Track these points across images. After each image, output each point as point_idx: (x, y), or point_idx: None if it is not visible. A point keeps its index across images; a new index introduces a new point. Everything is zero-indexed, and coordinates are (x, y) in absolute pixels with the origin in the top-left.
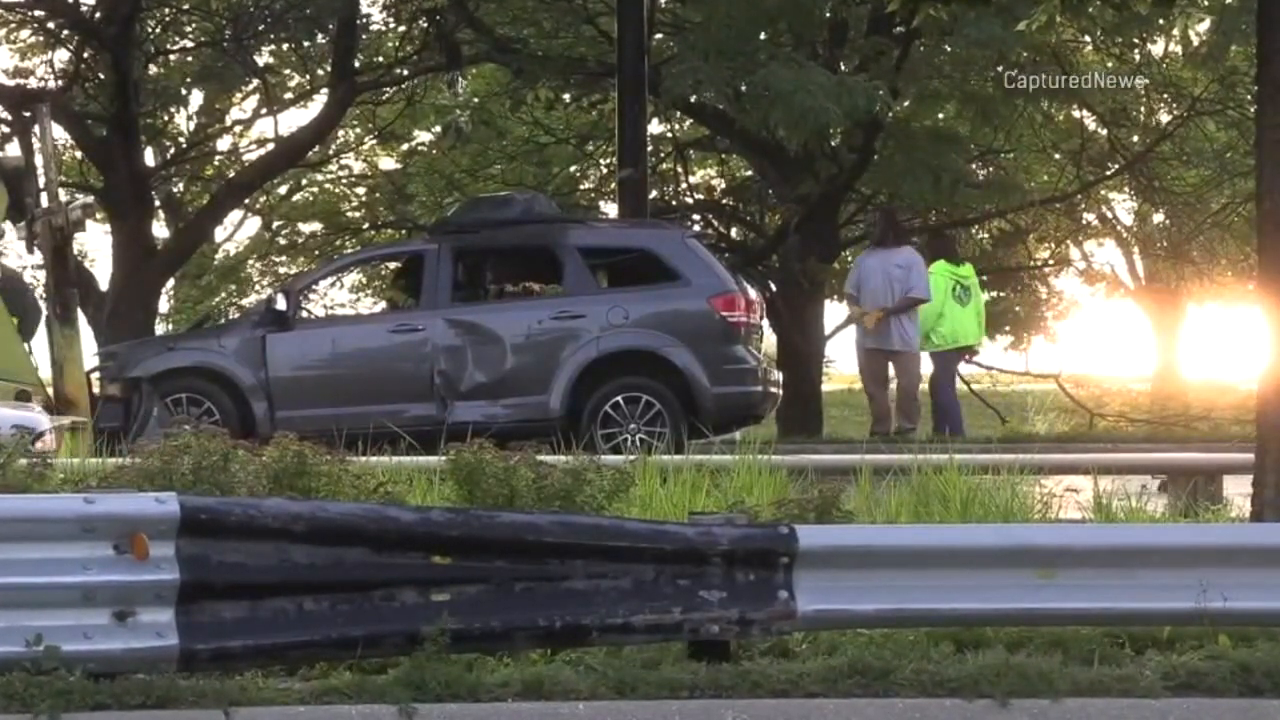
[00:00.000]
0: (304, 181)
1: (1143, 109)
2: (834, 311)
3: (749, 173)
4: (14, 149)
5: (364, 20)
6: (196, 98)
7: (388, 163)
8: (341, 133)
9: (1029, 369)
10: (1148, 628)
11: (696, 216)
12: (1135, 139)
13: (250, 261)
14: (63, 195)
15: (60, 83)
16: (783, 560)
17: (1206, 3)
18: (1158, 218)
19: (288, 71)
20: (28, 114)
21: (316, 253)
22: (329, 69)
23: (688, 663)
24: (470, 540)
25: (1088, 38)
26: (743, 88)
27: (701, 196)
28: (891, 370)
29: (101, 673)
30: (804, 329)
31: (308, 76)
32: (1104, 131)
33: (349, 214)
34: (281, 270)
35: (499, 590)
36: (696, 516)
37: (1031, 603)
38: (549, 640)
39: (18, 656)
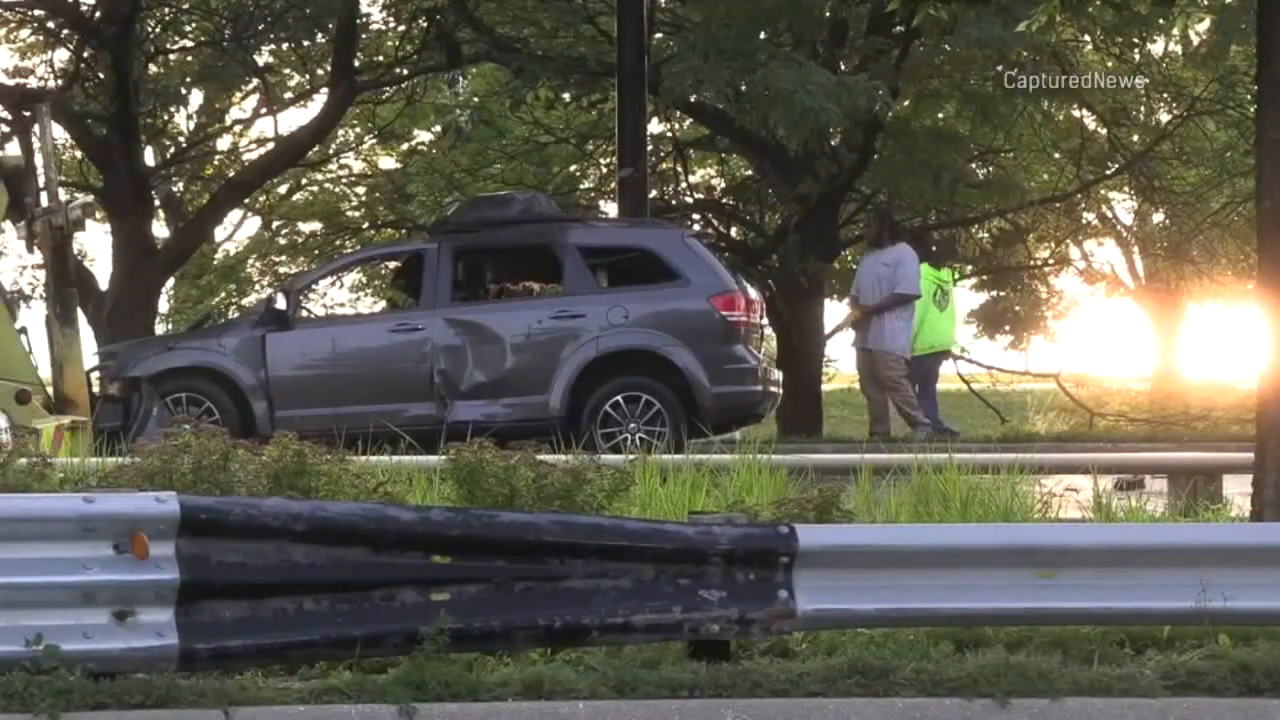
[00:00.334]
0: (304, 181)
1: (1143, 109)
2: (834, 311)
3: (749, 172)
4: (14, 149)
5: (364, 20)
6: (196, 97)
7: (388, 162)
8: (341, 132)
9: (1029, 369)
10: (1148, 627)
11: (696, 216)
12: (1135, 139)
13: (250, 261)
14: (63, 195)
15: (60, 83)
16: (783, 560)
17: (1206, 3)
18: (1158, 217)
19: (288, 71)
20: (28, 114)
21: (316, 253)
22: (329, 69)
23: (688, 662)
24: (470, 540)
25: (1088, 38)
26: (743, 87)
27: (701, 196)
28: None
29: (101, 672)
30: (804, 329)
31: (308, 76)
32: (1104, 131)
33: (349, 214)
34: (281, 270)
35: (499, 590)
36: (696, 516)
37: (1031, 603)
38: (549, 640)
39: (18, 656)
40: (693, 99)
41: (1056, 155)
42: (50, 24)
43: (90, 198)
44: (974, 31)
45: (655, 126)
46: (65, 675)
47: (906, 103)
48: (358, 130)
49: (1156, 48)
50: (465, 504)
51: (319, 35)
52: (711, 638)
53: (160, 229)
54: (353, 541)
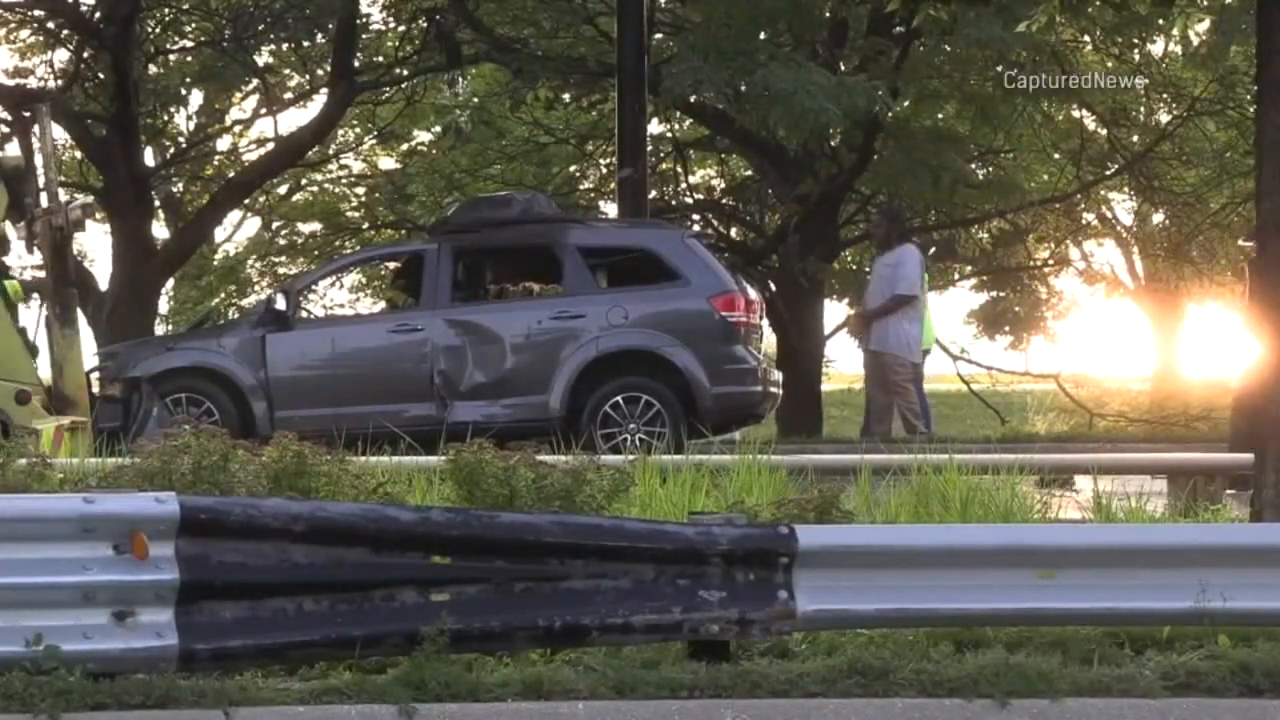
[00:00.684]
0: (304, 181)
1: (1142, 109)
2: (834, 311)
3: (749, 173)
4: (14, 149)
5: (364, 20)
6: (196, 98)
7: (387, 163)
8: (341, 133)
9: (1029, 369)
10: (1147, 628)
11: (696, 216)
12: (1135, 139)
13: (250, 262)
14: (63, 195)
15: (60, 83)
16: (782, 560)
17: (1206, 3)
18: (1158, 218)
19: (288, 71)
20: (28, 114)
21: (316, 253)
22: (329, 69)
23: (688, 663)
24: (470, 540)
25: (1088, 38)
26: (742, 88)
27: (701, 196)
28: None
29: (101, 673)
30: (804, 329)
31: (308, 76)
32: (1104, 131)
33: (349, 214)
34: (281, 270)
35: (499, 590)
36: (696, 516)
37: (1031, 603)
38: (549, 640)
39: (18, 656)
40: (693, 99)
41: (1056, 155)
42: (50, 24)
43: (90, 198)
44: (974, 32)
45: (655, 127)
46: (65, 675)
47: (906, 103)
48: (358, 130)
49: (1156, 48)
50: (465, 504)
51: (319, 35)
52: (711, 638)
53: (160, 229)
54: (353, 542)
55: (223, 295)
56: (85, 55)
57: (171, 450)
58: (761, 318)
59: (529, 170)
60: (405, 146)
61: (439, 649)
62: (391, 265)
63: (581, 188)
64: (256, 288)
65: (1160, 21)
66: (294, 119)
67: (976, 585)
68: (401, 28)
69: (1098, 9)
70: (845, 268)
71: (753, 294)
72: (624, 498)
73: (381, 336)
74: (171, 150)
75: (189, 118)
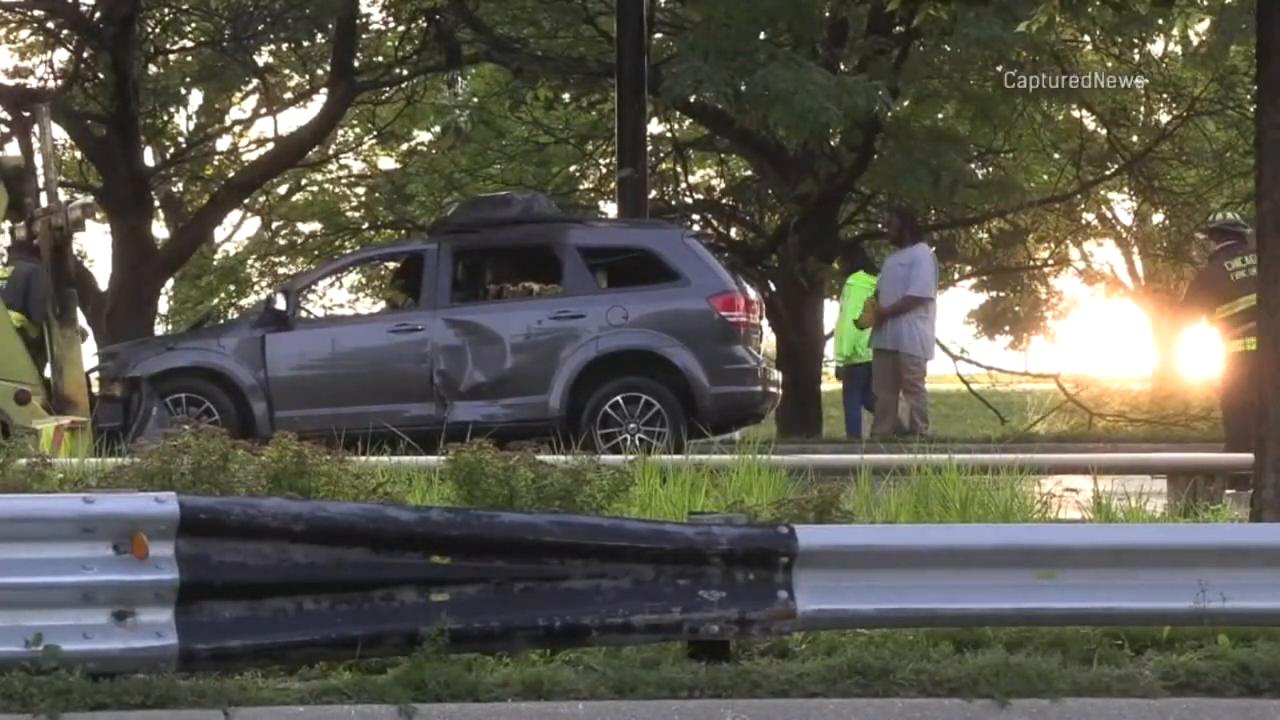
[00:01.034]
0: (304, 181)
1: (1142, 109)
2: (834, 311)
3: (749, 173)
4: (14, 149)
5: (364, 20)
6: (196, 98)
7: (387, 163)
8: (341, 133)
9: (1029, 369)
10: (1147, 628)
11: (696, 216)
12: (1135, 139)
13: (250, 261)
14: (62, 195)
15: (60, 83)
16: (782, 560)
17: (1206, 3)
18: (1158, 218)
19: (288, 71)
20: (28, 114)
21: (316, 253)
22: (329, 69)
23: (687, 663)
24: (470, 540)
25: (1087, 38)
26: (742, 88)
27: (701, 196)
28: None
29: (101, 672)
30: (804, 329)
31: (308, 76)
32: (1104, 131)
33: (349, 214)
34: (281, 270)
35: (498, 590)
36: (696, 516)
37: (1031, 603)
38: (549, 640)
39: (17, 656)
40: (693, 99)
41: (1056, 155)
42: (50, 24)
43: (90, 198)
44: (974, 31)
45: (655, 126)
46: (65, 675)
47: (906, 103)
48: (357, 130)
49: (1156, 48)
50: (465, 504)
51: (319, 35)
52: (711, 638)
53: (160, 229)
54: (352, 542)
55: (223, 295)
56: (85, 55)
57: (171, 450)
58: (761, 318)
59: (529, 170)
60: (405, 146)
61: (439, 649)
62: (391, 265)
63: (581, 188)
64: (256, 288)
65: (1160, 21)
66: (294, 119)
67: (976, 585)
68: (401, 28)
69: (1098, 9)
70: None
71: (753, 294)
72: (624, 498)
73: (381, 336)
74: (171, 150)
75: (189, 118)
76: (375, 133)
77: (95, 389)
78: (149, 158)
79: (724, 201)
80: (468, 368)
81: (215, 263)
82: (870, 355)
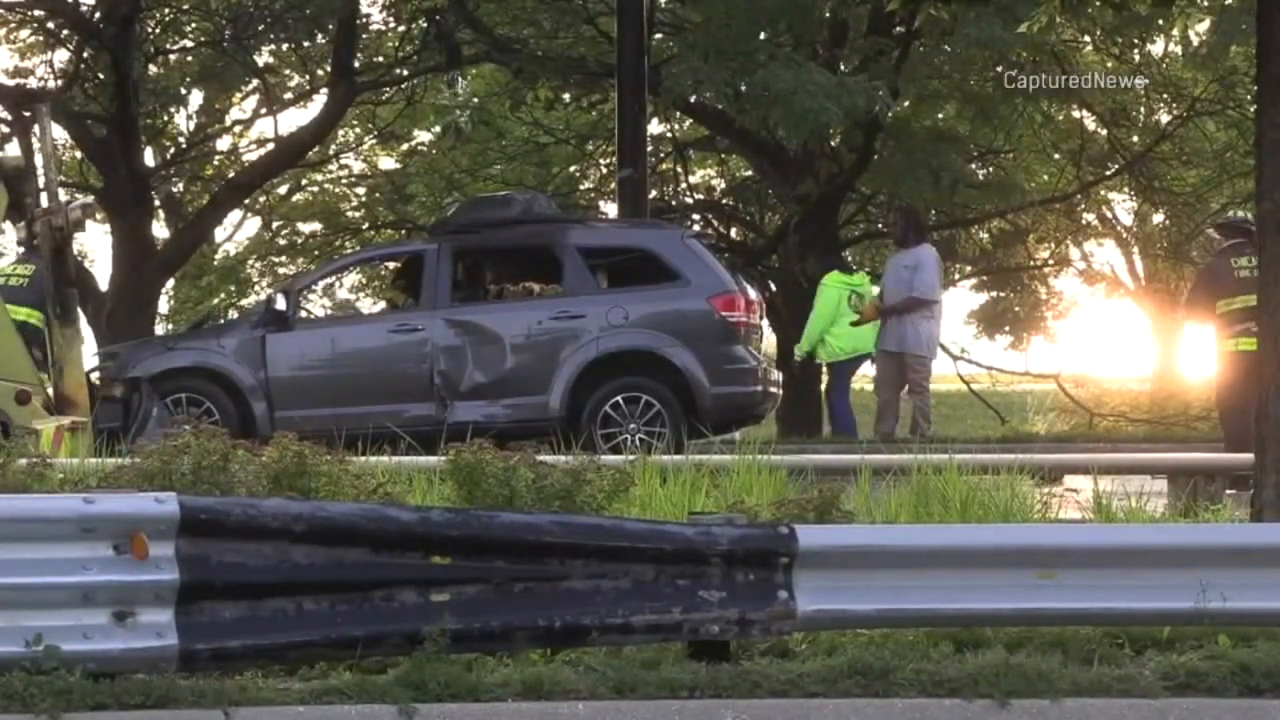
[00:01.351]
0: (304, 181)
1: (1143, 109)
2: None
3: (749, 173)
4: (14, 149)
5: (364, 20)
6: (196, 98)
7: (388, 163)
8: (341, 133)
9: (1029, 369)
10: (1147, 628)
11: (696, 216)
12: (1135, 139)
13: (250, 262)
14: (63, 195)
15: (60, 83)
16: (782, 560)
17: (1206, 3)
18: (1158, 218)
19: (288, 71)
20: (28, 114)
21: (316, 253)
22: (329, 69)
23: (688, 663)
24: (470, 540)
25: (1087, 38)
26: (742, 88)
27: (701, 196)
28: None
29: (101, 673)
30: (804, 329)
31: (308, 76)
32: (1104, 131)
33: (349, 214)
34: (281, 270)
35: (499, 590)
36: (696, 516)
37: (1031, 603)
38: (549, 640)
39: (17, 656)
40: (693, 99)
41: (1056, 156)
42: (50, 24)
43: (90, 198)
44: (974, 32)
45: (655, 127)
46: (65, 676)
47: (906, 103)
48: (358, 130)
49: (1156, 48)
50: (465, 504)
51: (319, 35)
52: (711, 638)
53: (160, 229)
54: (352, 542)
55: (223, 295)
56: (85, 55)
57: (171, 450)
58: (761, 318)
59: (529, 170)
60: (405, 146)
61: (439, 649)
62: (391, 265)
63: (581, 188)
64: (256, 288)
65: (1160, 21)
66: (294, 119)
67: (976, 585)
68: (401, 28)
69: (1098, 9)
70: None
71: (753, 294)
72: (624, 498)
73: (381, 336)
74: (171, 150)
75: (189, 118)
76: (375, 133)
77: (95, 389)
78: (149, 158)
79: (724, 201)
80: (468, 368)
81: (215, 263)
82: (829, 357)
